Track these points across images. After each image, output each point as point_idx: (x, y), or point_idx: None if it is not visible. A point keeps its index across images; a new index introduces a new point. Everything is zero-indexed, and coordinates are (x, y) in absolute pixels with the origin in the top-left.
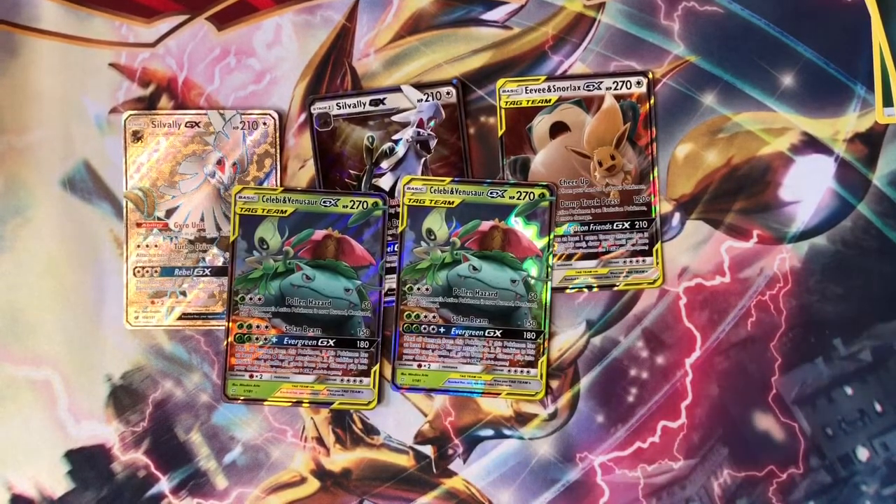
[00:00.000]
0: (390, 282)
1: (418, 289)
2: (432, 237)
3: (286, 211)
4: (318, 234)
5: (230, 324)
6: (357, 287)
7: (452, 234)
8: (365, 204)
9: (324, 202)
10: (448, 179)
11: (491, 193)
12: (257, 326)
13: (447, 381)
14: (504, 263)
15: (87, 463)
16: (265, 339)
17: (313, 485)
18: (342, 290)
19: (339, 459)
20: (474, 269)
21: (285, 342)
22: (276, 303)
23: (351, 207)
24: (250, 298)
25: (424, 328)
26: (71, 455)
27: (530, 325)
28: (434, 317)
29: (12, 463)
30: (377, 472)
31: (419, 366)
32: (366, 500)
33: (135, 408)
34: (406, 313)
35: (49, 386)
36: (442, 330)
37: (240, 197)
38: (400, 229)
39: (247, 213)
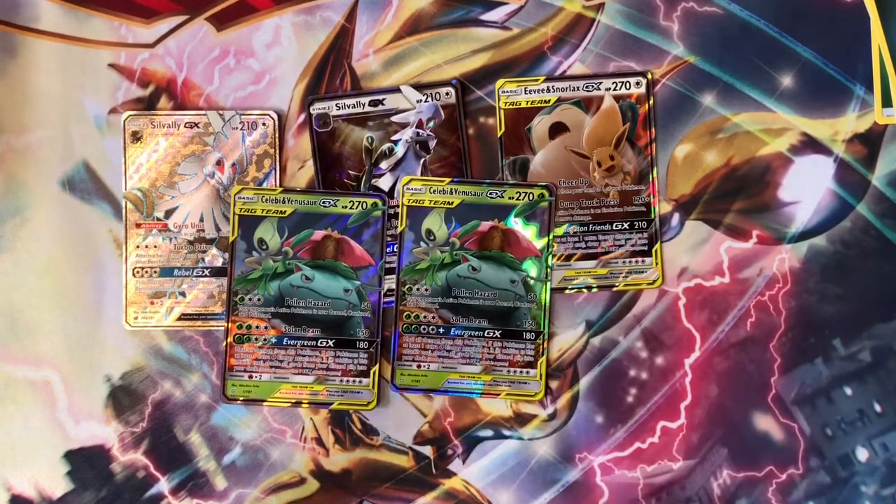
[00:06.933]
0: (389, 282)
1: (417, 289)
2: (432, 238)
3: (285, 211)
4: (318, 234)
5: (229, 324)
6: (356, 287)
7: (452, 235)
8: (364, 204)
9: (323, 202)
10: (447, 180)
11: (490, 194)
12: (256, 327)
13: (446, 381)
14: (503, 264)
15: (86, 463)
16: (264, 339)
17: (313, 485)
18: (341, 291)
19: (339, 460)
20: (473, 269)
21: (284, 343)
22: (275, 303)
23: (350, 208)
24: (249, 299)
25: (424, 328)
26: (70, 455)
27: (530, 325)
28: (433, 317)
29: (11, 463)
30: (376, 473)
31: (418, 366)
32: (365, 500)
33: (134, 408)
34: (405, 314)
35: (48, 386)
36: (441, 330)
37: (239, 197)
38: (399, 230)
39: (246, 213)
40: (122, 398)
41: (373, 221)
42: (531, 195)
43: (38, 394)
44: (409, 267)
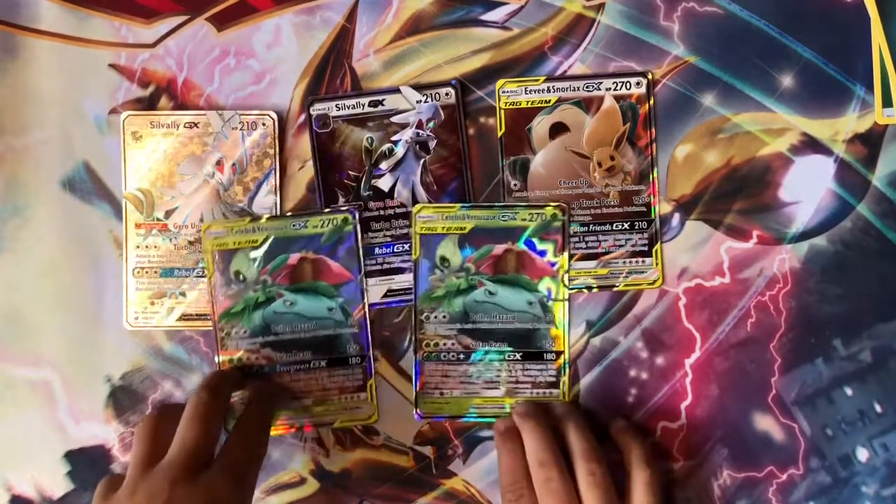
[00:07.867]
0: (385, 285)
1: (435, 316)
2: (446, 264)
3: (257, 240)
4: (293, 258)
5: (220, 359)
6: (340, 304)
7: (466, 260)
8: (335, 221)
9: (293, 225)
10: (458, 206)
11: (502, 217)
12: (247, 359)
13: (471, 406)
14: (519, 286)
15: (86, 464)
16: (257, 370)
17: (313, 485)
18: (325, 310)
19: (339, 460)
20: (490, 293)
21: (278, 370)
22: (262, 332)
23: (321, 227)
24: (236, 332)
25: (444, 355)
26: (71, 456)
27: (550, 345)
28: (453, 343)
29: (12, 464)
30: (377, 473)
31: (441, 394)
32: (365, 500)
33: (134, 408)
34: (425, 342)
35: (48, 386)
36: (462, 356)
37: (209, 234)
38: (414, 258)
39: (219, 248)
40: (123, 398)
41: (345, 237)
42: (543, 216)
43: (38, 394)
44: (425, 294)
